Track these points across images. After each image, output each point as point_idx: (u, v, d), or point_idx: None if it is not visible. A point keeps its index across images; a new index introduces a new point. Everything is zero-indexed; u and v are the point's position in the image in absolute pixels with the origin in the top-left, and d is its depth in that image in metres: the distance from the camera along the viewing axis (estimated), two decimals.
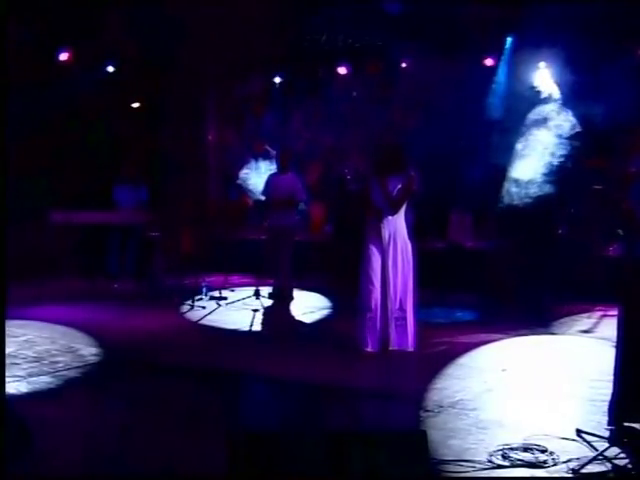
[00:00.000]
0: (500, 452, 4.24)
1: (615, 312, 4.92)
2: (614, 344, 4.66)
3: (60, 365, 6.28)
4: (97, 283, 10.35)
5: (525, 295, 8.54)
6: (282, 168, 9.36)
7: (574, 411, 5.08)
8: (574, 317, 8.21)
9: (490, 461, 4.14)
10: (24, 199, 10.77)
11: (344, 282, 9.46)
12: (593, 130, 9.75)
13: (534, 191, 10.17)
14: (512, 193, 10.23)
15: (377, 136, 11.04)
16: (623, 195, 4.66)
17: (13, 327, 7.23)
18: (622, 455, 4.22)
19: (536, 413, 5.04)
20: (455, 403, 5.26)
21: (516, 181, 10.33)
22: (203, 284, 9.64)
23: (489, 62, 10.94)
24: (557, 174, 10.25)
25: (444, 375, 6.00)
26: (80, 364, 6.36)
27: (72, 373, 6.10)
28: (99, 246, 10.88)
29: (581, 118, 10.14)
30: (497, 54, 10.83)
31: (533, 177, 10.31)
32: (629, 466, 4.15)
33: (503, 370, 6.14)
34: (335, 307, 9.06)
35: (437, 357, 6.54)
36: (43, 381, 5.83)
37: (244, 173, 12.33)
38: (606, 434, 4.48)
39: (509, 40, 10.70)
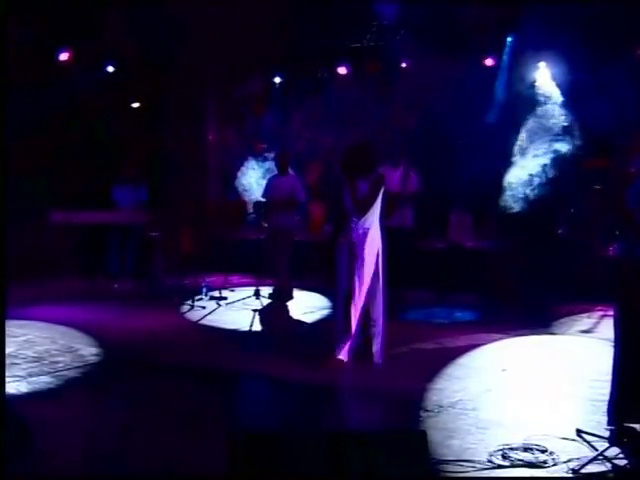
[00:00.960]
0: (500, 452, 4.24)
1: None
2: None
3: (60, 365, 6.27)
4: (97, 283, 10.36)
5: (525, 295, 8.54)
6: (282, 170, 9.39)
7: (574, 411, 5.08)
8: (574, 317, 8.22)
9: (490, 461, 4.14)
10: (24, 199, 10.77)
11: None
12: (593, 130, 9.76)
13: (534, 191, 10.19)
14: (512, 193, 10.25)
15: (377, 136, 11.04)
16: (622, 195, 4.65)
17: (13, 327, 7.23)
18: (622, 455, 4.22)
19: (536, 413, 5.04)
20: (455, 403, 5.26)
21: (516, 181, 10.35)
22: (203, 284, 9.64)
23: (489, 62, 10.94)
24: (557, 174, 10.27)
25: (444, 375, 6.00)
26: (80, 364, 6.36)
27: (72, 373, 6.10)
28: (99, 246, 10.88)
29: (581, 118, 10.16)
30: (497, 54, 10.83)
31: (532, 177, 10.33)
32: (629, 466, 4.15)
33: (503, 370, 6.14)
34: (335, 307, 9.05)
35: (437, 357, 6.54)
36: (43, 381, 5.82)
37: (242, 174, 12.37)
38: (606, 434, 4.48)
39: (509, 40, 10.70)
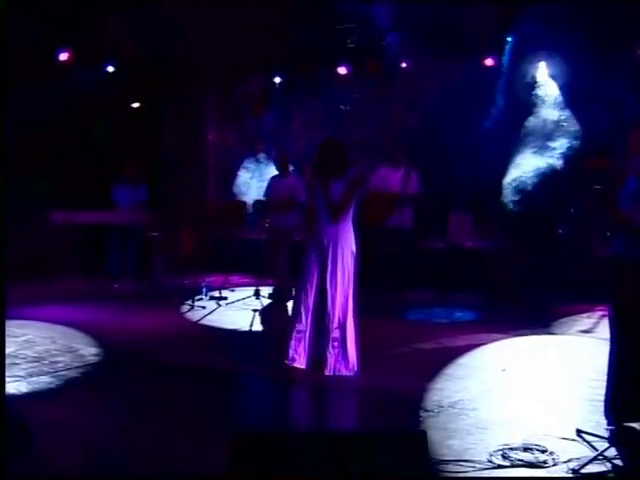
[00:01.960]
0: (500, 452, 4.24)
1: None
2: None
3: (60, 365, 6.27)
4: (97, 283, 10.35)
5: (525, 295, 8.54)
6: (282, 171, 9.40)
7: (574, 411, 5.08)
8: (574, 317, 8.22)
9: (490, 461, 4.14)
10: (24, 199, 10.78)
11: None
12: (593, 130, 9.76)
13: (534, 191, 10.19)
14: (512, 193, 10.24)
15: (377, 136, 11.05)
16: (613, 196, 4.67)
17: (13, 327, 7.23)
18: (622, 455, 4.22)
19: (536, 413, 5.04)
20: (455, 403, 5.26)
21: (516, 181, 10.34)
22: (203, 284, 9.64)
23: (489, 62, 10.94)
24: (557, 174, 10.26)
25: (444, 375, 6.00)
26: (80, 364, 6.36)
27: (72, 373, 6.10)
28: (99, 246, 10.89)
29: (581, 118, 10.16)
30: (497, 54, 10.83)
31: (532, 177, 10.33)
32: (629, 466, 4.15)
33: (503, 370, 6.14)
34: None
35: (437, 357, 6.54)
36: (43, 381, 5.82)
37: (242, 174, 12.36)
38: (606, 434, 4.48)
39: (509, 40, 10.70)
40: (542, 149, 10.49)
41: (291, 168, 9.51)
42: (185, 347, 7.15)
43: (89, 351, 6.78)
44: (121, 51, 11.53)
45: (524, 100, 10.60)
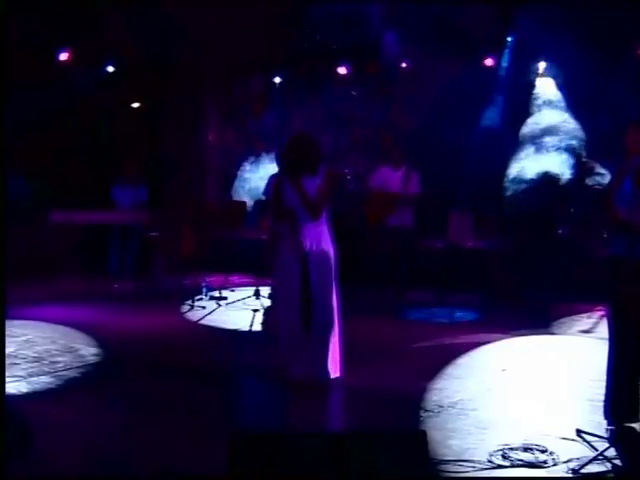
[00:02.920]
0: (500, 452, 4.24)
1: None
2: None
3: (60, 365, 6.27)
4: (97, 283, 10.35)
5: (525, 295, 8.54)
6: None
7: (574, 411, 5.09)
8: (574, 317, 8.22)
9: (490, 461, 4.14)
10: (24, 199, 10.78)
11: (344, 282, 9.48)
12: (593, 130, 9.76)
13: (533, 190, 10.19)
14: (512, 193, 10.24)
15: (377, 136, 11.05)
16: (610, 196, 4.66)
17: (13, 327, 7.22)
18: (622, 455, 4.22)
19: (536, 413, 5.04)
20: (455, 403, 5.26)
21: (516, 181, 10.34)
22: (203, 284, 9.63)
23: (489, 62, 10.94)
24: (557, 174, 10.26)
25: (444, 375, 6.00)
26: (80, 364, 6.36)
27: (72, 373, 6.10)
28: (99, 246, 10.88)
29: (581, 118, 10.16)
30: (497, 54, 10.83)
31: (533, 177, 10.33)
32: (629, 466, 4.16)
33: (503, 370, 6.14)
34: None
35: (437, 357, 6.54)
36: (43, 381, 5.82)
37: (242, 174, 12.35)
38: (606, 434, 4.49)
39: (509, 40, 10.70)
40: (542, 149, 10.50)
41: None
42: (185, 347, 7.15)
43: (89, 351, 6.78)
44: (121, 51, 11.52)
45: (524, 100, 10.61)
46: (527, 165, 10.44)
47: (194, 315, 8.71)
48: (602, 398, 4.72)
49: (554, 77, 10.55)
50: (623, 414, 4.63)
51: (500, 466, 4.09)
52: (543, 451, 4.25)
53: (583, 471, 4.01)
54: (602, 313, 8.00)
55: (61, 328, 7.67)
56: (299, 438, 3.52)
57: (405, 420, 4.98)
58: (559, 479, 3.99)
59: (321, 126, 12.11)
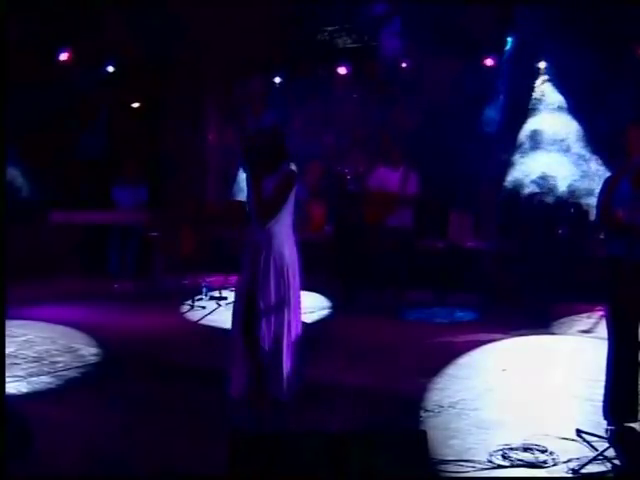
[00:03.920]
0: (500, 452, 4.24)
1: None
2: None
3: (60, 365, 6.28)
4: (97, 283, 10.35)
5: (525, 295, 8.54)
6: None
7: (574, 411, 5.08)
8: (574, 317, 8.22)
9: (490, 461, 4.14)
10: (24, 199, 10.79)
11: (344, 282, 9.48)
12: (593, 130, 9.76)
13: (533, 190, 10.18)
14: (512, 193, 10.24)
15: (376, 136, 11.05)
16: (609, 197, 4.65)
17: (13, 327, 7.23)
18: (622, 455, 4.22)
19: (536, 413, 5.04)
20: (455, 403, 5.26)
21: (516, 181, 10.34)
22: (203, 284, 9.63)
23: (489, 62, 10.93)
24: (557, 174, 10.26)
25: (444, 375, 6.00)
26: (80, 364, 6.36)
27: (72, 373, 6.10)
28: (99, 246, 10.88)
29: (581, 118, 10.15)
30: (497, 54, 10.82)
31: (533, 177, 10.33)
32: (629, 466, 4.16)
33: (503, 370, 6.14)
34: (335, 307, 9.05)
35: (437, 357, 6.54)
36: (43, 381, 5.83)
37: (242, 174, 12.31)
38: (606, 434, 4.49)
39: (509, 40, 10.70)
40: (542, 149, 10.49)
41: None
42: (185, 347, 7.14)
43: (89, 351, 6.78)
44: (121, 51, 11.52)
45: (524, 100, 10.60)
46: (527, 165, 10.43)
47: (194, 315, 8.71)
48: (602, 398, 4.72)
49: (554, 77, 10.54)
50: (623, 414, 4.63)
51: (500, 466, 4.09)
52: (543, 451, 4.25)
53: (583, 471, 4.01)
54: (602, 313, 8.01)
55: (61, 328, 7.67)
56: (299, 438, 3.53)
57: (405, 420, 4.98)
58: (559, 479, 3.99)
59: (321, 126, 12.12)
